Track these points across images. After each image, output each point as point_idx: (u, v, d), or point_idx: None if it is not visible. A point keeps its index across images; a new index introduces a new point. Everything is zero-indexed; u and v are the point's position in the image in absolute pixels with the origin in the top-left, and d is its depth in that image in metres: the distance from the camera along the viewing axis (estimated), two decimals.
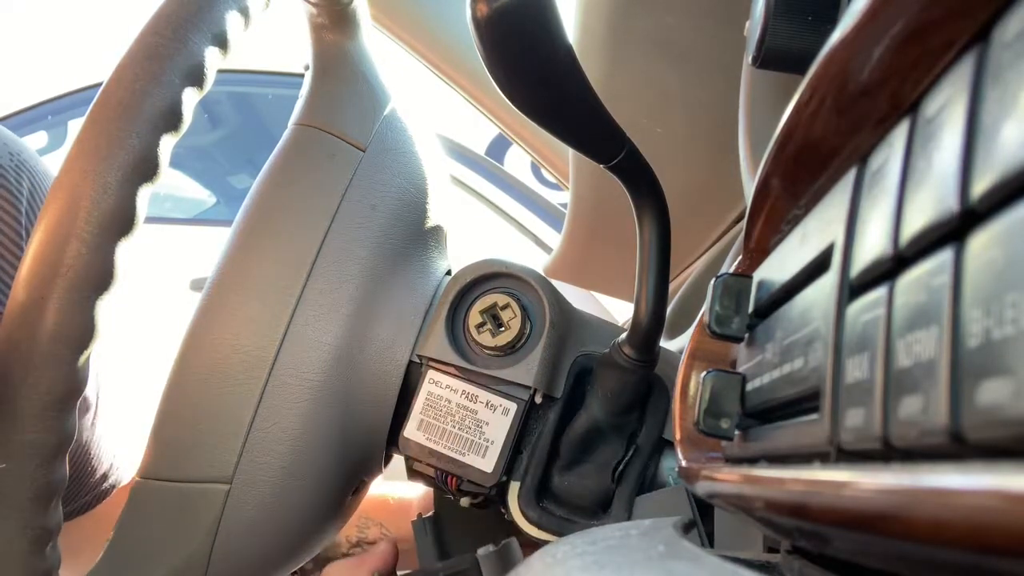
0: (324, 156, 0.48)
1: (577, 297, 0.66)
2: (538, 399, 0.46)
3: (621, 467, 0.46)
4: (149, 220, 0.40)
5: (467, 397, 0.47)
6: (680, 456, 0.31)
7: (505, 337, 0.46)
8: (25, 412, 0.36)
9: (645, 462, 0.46)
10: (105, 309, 0.38)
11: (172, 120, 0.39)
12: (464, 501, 0.48)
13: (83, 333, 0.37)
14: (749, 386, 0.25)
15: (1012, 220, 0.11)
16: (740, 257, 0.29)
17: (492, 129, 1.29)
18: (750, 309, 0.26)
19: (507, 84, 0.34)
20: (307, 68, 0.51)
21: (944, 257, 0.13)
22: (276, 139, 0.50)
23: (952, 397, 0.12)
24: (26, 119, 2.09)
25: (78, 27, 2.13)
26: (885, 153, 0.17)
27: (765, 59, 0.32)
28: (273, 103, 2.32)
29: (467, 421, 0.46)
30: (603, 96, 0.36)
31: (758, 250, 0.27)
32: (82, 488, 0.67)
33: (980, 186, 0.12)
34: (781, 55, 0.32)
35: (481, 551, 0.46)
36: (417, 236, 0.50)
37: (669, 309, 0.66)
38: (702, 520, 0.38)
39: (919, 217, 0.14)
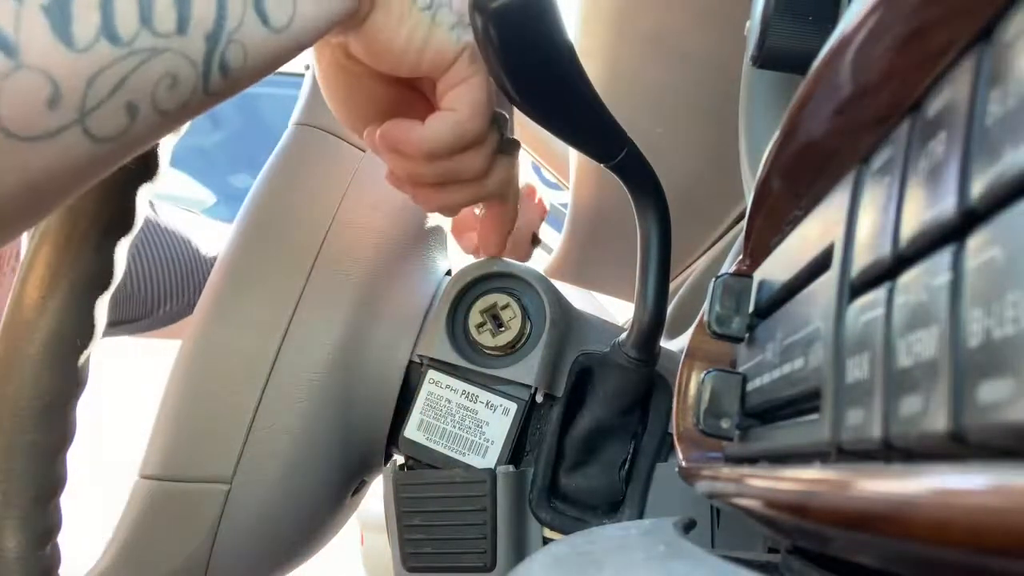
0: (324, 156, 0.49)
1: (577, 297, 0.66)
2: (539, 398, 0.46)
3: (627, 466, 0.46)
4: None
5: (467, 397, 0.47)
6: (680, 456, 0.31)
7: (505, 337, 0.46)
8: (26, 413, 0.36)
9: (652, 460, 0.46)
10: (102, 307, 0.38)
11: None
12: None
13: (83, 332, 0.37)
14: (749, 386, 0.25)
15: (1012, 220, 0.11)
16: (740, 257, 0.29)
17: None
18: (750, 309, 0.26)
19: (508, 83, 0.34)
20: (307, 68, 0.51)
21: (944, 257, 0.13)
22: (276, 139, 0.50)
23: (952, 397, 0.12)
24: None
25: None
26: (886, 153, 0.17)
27: (765, 59, 0.32)
28: (273, 103, 2.32)
29: (467, 421, 0.46)
30: (603, 96, 0.36)
31: (758, 250, 0.27)
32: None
33: (980, 186, 0.12)
34: (781, 55, 0.32)
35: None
36: (417, 236, 0.50)
37: (669, 309, 0.66)
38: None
39: (919, 217, 0.14)
